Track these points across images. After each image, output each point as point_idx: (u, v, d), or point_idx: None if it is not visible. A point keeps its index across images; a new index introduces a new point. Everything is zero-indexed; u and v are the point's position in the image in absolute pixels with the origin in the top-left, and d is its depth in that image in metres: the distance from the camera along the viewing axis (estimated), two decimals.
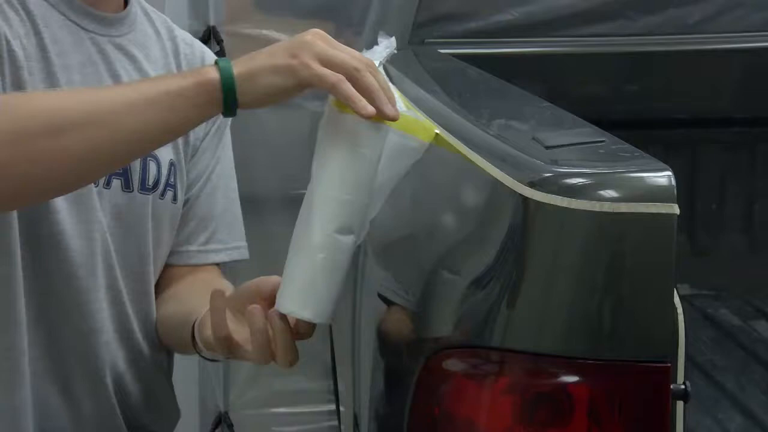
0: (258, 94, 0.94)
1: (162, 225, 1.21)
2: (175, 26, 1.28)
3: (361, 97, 0.91)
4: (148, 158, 1.17)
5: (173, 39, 1.26)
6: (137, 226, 1.18)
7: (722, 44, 1.84)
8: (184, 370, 2.31)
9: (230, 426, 2.40)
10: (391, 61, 1.61)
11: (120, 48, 1.18)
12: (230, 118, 1.13)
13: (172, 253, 1.25)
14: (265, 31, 2.22)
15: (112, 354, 1.18)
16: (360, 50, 1.78)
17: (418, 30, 1.77)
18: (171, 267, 1.26)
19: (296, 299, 0.93)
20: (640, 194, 0.76)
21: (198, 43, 1.30)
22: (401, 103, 1.10)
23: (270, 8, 2.31)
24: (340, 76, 0.91)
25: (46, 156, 0.92)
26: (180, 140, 1.22)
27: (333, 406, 2.33)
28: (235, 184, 1.33)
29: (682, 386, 0.79)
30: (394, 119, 0.93)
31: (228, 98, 0.94)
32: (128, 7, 1.20)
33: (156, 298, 1.24)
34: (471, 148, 0.92)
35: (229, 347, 0.99)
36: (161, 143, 1.02)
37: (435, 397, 0.87)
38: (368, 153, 0.93)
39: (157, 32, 1.24)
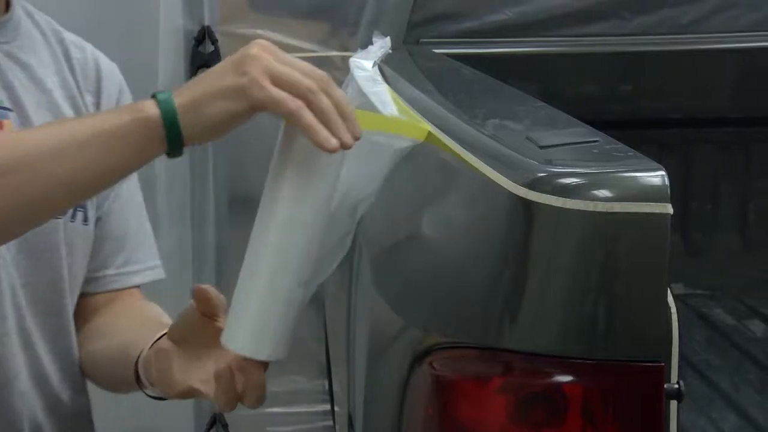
0: (205, 125, 0.85)
1: (75, 251, 1.11)
2: (62, 29, 1.17)
3: (322, 128, 0.83)
4: None
5: (62, 42, 1.15)
6: (48, 255, 1.08)
7: (716, 44, 1.85)
8: None
9: (225, 426, 2.40)
10: (386, 61, 1.62)
11: (9, 56, 1.09)
12: None
13: (87, 281, 1.15)
14: (260, 31, 2.22)
15: (29, 404, 1.09)
16: (354, 50, 1.78)
17: (413, 30, 1.77)
18: (89, 296, 1.16)
19: (252, 340, 0.86)
20: (634, 194, 0.77)
21: (90, 47, 1.18)
22: (393, 107, 1.10)
23: (265, 8, 2.31)
24: (299, 103, 0.83)
25: None
26: None
27: (328, 406, 2.33)
28: (141, 199, 1.22)
29: (676, 386, 0.79)
30: (348, 147, 0.84)
31: (171, 134, 0.85)
32: (10, 11, 1.11)
33: (76, 333, 1.14)
34: (465, 148, 0.92)
35: (188, 396, 0.94)
36: (102, 187, 0.93)
37: (429, 396, 0.87)
38: (328, 179, 0.86)
39: (44, 34, 1.14)
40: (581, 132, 0.93)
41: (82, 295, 1.15)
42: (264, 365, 0.90)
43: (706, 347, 1.69)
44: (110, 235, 1.16)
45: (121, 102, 1.17)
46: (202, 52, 2.18)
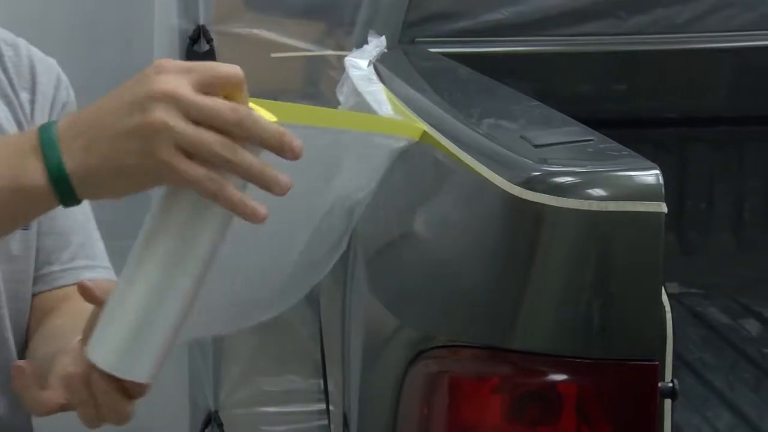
0: (104, 194, 0.73)
1: (11, 253, 1.01)
2: None
3: (250, 203, 0.70)
4: None
5: None
6: None
7: (711, 44, 1.85)
8: (175, 369, 2.32)
9: (220, 425, 2.40)
10: (382, 60, 1.62)
11: None
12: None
13: (34, 280, 1.05)
14: (255, 30, 2.22)
15: None
16: (350, 50, 1.78)
17: (409, 29, 1.77)
18: (37, 296, 1.06)
19: (121, 356, 0.75)
20: (628, 193, 0.77)
21: (23, 44, 1.07)
22: (388, 106, 1.09)
23: (260, 7, 2.30)
24: (219, 182, 0.69)
25: None
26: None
27: (323, 406, 2.33)
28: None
29: (670, 384, 0.79)
30: (283, 193, 0.72)
31: (63, 199, 0.72)
32: None
33: (32, 337, 1.04)
34: (460, 147, 0.92)
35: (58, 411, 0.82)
36: None
37: (424, 396, 0.87)
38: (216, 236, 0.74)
39: None
40: (576, 131, 0.93)
41: (34, 295, 1.06)
42: (124, 386, 0.77)
43: (701, 346, 1.69)
44: (53, 230, 1.06)
45: (57, 99, 1.07)
46: (197, 51, 2.18)
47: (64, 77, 1.10)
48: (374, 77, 1.51)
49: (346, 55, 1.67)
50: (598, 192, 0.76)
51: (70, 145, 0.71)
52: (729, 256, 1.96)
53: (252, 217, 0.71)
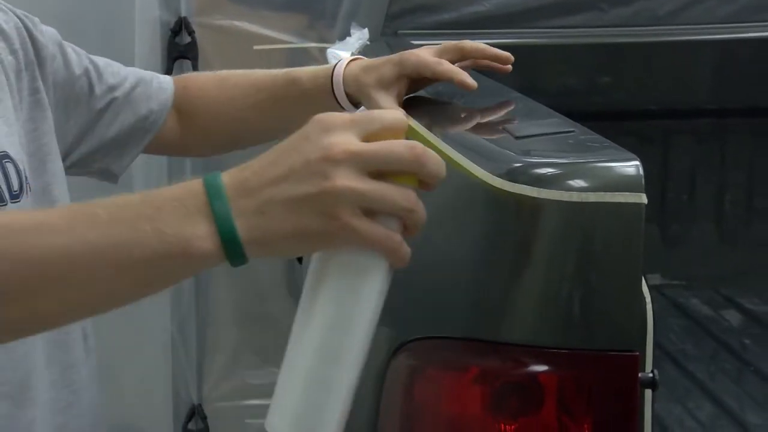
0: (274, 255, 0.69)
1: None
2: None
3: (407, 250, 0.70)
4: (4, 161, 0.94)
5: None
6: None
7: (693, 36, 1.85)
8: (157, 363, 2.31)
9: (204, 418, 2.40)
10: (364, 53, 1.61)
11: None
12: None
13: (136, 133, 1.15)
14: (237, 22, 2.21)
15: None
16: (333, 42, 1.78)
17: (391, 21, 1.77)
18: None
19: (301, 426, 0.72)
20: (609, 184, 0.77)
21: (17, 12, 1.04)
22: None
23: None
24: (397, 240, 0.68)
25: None
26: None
27: None
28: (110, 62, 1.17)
29: (651, 375, 0.79)
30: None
31: (232, 260, 0.69)
32: None
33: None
34: (442, 139, 0.92)
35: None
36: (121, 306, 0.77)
37: (406, 388, 0.87)
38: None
39: None
40: (557, 123, 0.93)
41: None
42: None
43: (683, 337, 1.70)
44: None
45: (31, 55, 1.03)
46: (178, 43, 2.17)
47: (27, 24, 1.05)
48: None
49: (328, 48, 1.67)
50: (578, 183, 0.76)
51: (241, 208, 0.67)
52: (711, 247, 1.97)
53: (401, 263, 0.70)
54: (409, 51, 1.12)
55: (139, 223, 0.68)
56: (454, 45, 1.15)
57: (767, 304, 1.83)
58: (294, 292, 2.42)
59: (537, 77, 1.78)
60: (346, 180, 0.66)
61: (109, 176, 1.19)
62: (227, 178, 0.69)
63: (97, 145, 1.14)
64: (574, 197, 0.76)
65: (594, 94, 1.86)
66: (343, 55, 1.58)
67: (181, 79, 1.23)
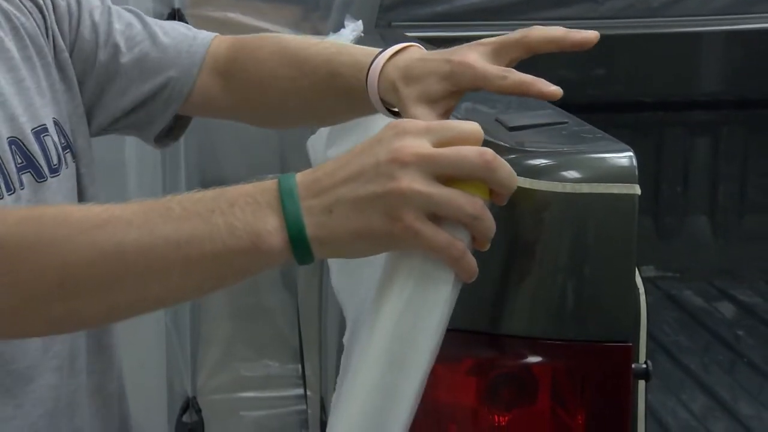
0: (340, 256, 0.71)
1: (86, 193, 1.01)
2: None
3: (474, 262, 0.70)
4: (42, 135, 0.95)
5: None
6: None
7: (687, 28, 1.85)
8: (151, 355, 2.31)
9: (198, 411, 2.40)
10: (358, 44, 1.61)
11: None
12: None
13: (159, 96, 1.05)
14: (230, 14, 2.21)
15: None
16: (326, 34, 1.78)
17: (385, 13, 1.77)
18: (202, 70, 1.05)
19: None
20: (602, 175, 0.77)
21: None
22: None
23: None
24: (461, 248, 0.68)
25: (56, 318, 0.73)
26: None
27: (301, 391, 2.33)
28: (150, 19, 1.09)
29: (644, 366, 0.79)
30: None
31: (299, 258, 0.69)
32: None
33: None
34: None
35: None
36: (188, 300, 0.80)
37: None
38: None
39: None
40: (550, 114, 0.93)
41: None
42: None
43: (676, 329, 1.70)
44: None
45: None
46: None
47: None
48: None
49: (322, 40, 1.67)
50: (572, 174, 0.76)
51: (310, 207, 0.68)
52: (704, 240, 1.97)
53: (469, 279, 0.70)
54: (460, 57, 0.88)
55: (212, 217, 0.69)
56: (515, 39, 0.90)
57: (760, 296, 1.83)
58: (288, 285, 2.43)
59: (530, 69, 1.78)
60: (413, 182, 0.67)
61: (140, 137, 1.13)
62: (300, 177, 0.70)
63: (111, 118, 1.07)
64: (568, 188, 0.76)
65: (588, 86, 1.86)
66: None
67: (237, 41, 1.09)
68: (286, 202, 0.68)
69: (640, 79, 1.89)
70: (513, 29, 0.86)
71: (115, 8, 1.07)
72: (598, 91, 1.88)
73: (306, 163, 1.71)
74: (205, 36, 1.09)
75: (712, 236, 1.97)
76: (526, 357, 0.79)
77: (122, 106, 1.06)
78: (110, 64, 1.05)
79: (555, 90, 0.84)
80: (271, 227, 0.68)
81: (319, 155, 1.51)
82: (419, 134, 0.69)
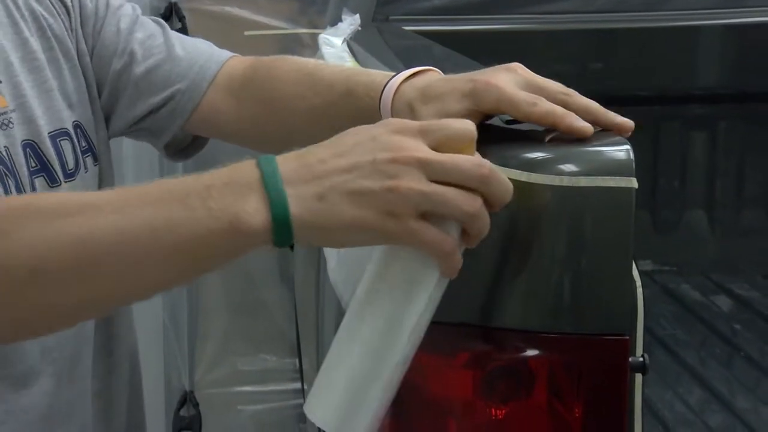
0: (325, 244, 0.72)
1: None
2: None
3: (460, 262, 0.72)
4: (59, 139, 0.95)
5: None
6: None
7: (684, 22, 1.85)
8: (149, 350, 2.31)
9: (196, 405, 2.40)
10: (355, 38, 1.61)
11: None
12: None
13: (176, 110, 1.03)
14: (227, 8, 2.21)
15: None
16: (324, 28, 1.77)
17: (383, 7, 1.76)
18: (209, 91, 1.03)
19: (339, 417, 0.73)
20: (600, 168, 0.77)
21: None
22: None
23: None
24: (450, 243, 0.69)
25: (26, 315, 0.71)
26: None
27: (298, 385, 2.34)
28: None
29: (641, 359, 0.79)
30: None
31: (279, 242, 0.68)
32: None
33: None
34: None
35: None
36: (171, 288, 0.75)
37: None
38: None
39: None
40: None
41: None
42: None
43: (673, 322, 1.71)
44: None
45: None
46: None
47: None
48: (346, 55, 1.50)
49: (319, 33, 1.66)
50: (569, 167, 0.76)
51: (300, 192, 0.67)
52: (702, 234, 1.97)
53: (455, 275, 0.72)
54: (486, 77, 0.83)
55: (188, 199, 0.68)
56: (555, 92, 0.84)
57: (757, 289, 1.84)
58: (285, 279, 2.42)
59: (528, 63, 1.78)
60: (411, 182, 0.67)
61: (152, 143, 1.10)
62: (282, 160, 0.69)
63: (125, 125, 1.06)
64: (565, 181, 0.76)
65: (584, 80, 1.86)
66: (336, 42, 1.57)
67: (257, 61, 1.06)
68: (268, 183, 0.67)
69: (637, 73, 1.89)
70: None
71: (142, 18, 1.06)
72: (594, 86, 1.87)
73: None
74: (222, 54, 1.07)
75: (709, 230, 1.98)
76: (523, 350, 0.79)
77: (133, 115, 1.05)
78: (123, 73, 1.03)
79: (585, 126, 0.80)
80: (250, 208, 0.67)
81: None
82: (414, 135, 0.69)
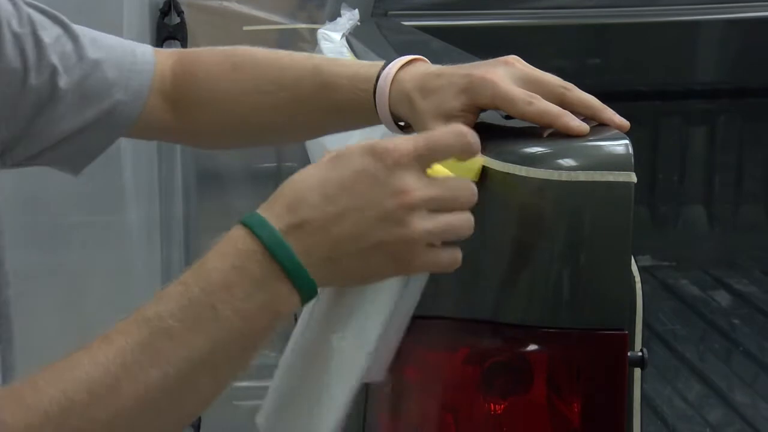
0: (338, 281, 0.71)
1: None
2: None
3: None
4: None
5: None
6: None
7: (684, 16, 1.85)
8: None
9: None
10: (354, 33, 1.61)
11: None
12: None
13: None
14: (226, 3, 2.20)
15: None
16: (323, 22, 1.77)
17: (381, 2, 1.76)
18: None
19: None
20: (599, 163, 0.77)
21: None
22: None
23: None
24: (458, 260, 0.72)
25: None
26: None
27: None
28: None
29: (640, 353, 0.79)
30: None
31: (307, 301, 0.70)
32: None
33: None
34: None
35: None
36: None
37: (395, 368, 0.87)
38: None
39: None
40: None
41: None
42: None
43: (672, 318, 1.71)
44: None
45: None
46: (167, 24, 2.16)
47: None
48: (345, 50, 1.50)
49: (318, 28, 1.66)
50: (568, 162, 0.76)
51: (312, 259, 0.67)
52: (701, 229, 1.97)
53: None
54: (482, 72, 0.83)
55: (217, 313, 0.66)
56: (553, 86, 0.83)
57: (756, 284, 1.83)
58: None
59: (527, 58, 1.77)
60: (420, 225, 0.68)
61: (66, 170, 0.98)
62: (276, 220, 0.67)
63: (35, 150, 0.92)
64: (564, 176, 0.76)
65: (583, 75, 1.86)
66: (334, 37, 1.57)
67: (179, 60, 0.98)
68: (285, 263, 0.66)
69: (637, 68, 1.88)
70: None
71: (35, 16, 0.90)
72: (593, 81, 1.87)
73: (302, 152, 1.70)
74: (144, 50, 0.98)
75: (708, 225, 1.97)
76: (522, 345, 0.79)
77: (54, 135, 0.91)
78: (44, 88, 0.89)
79: (581, 126, 0.79)
80: (283, 293, 0.68)
81: (318, 147, 1.51)
82: (411, 163, 0.68)
